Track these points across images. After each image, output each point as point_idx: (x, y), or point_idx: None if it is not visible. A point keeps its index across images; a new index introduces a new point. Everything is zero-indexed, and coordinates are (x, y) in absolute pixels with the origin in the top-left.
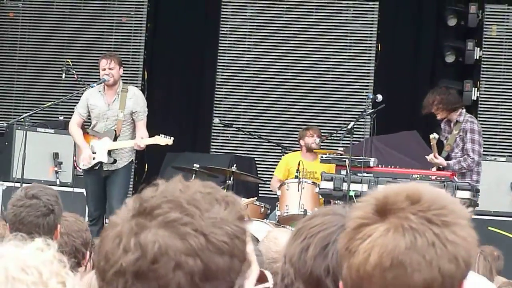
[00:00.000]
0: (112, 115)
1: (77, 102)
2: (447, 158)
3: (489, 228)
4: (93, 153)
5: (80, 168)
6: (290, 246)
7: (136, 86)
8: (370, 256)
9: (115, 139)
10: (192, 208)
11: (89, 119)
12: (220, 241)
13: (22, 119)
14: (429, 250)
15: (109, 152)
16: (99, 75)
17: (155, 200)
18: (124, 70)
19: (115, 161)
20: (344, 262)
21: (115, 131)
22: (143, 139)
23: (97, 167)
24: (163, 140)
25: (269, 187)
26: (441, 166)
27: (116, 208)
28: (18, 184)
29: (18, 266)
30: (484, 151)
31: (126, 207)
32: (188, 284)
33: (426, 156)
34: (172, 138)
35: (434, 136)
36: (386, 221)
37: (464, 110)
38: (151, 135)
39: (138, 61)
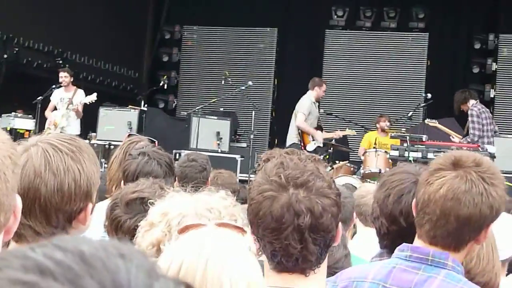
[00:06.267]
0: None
1: (231, 101)
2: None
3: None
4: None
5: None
6: (377, 192)
7: (270, 89)
8: (440, 189)
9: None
10: (326, 177)
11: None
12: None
13: (197, 110)
14: (477, 196)
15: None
16: (246, 81)
17: (306, 175)
18: (257, 87)
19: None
20: (421, 189)
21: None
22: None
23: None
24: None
25: (356, 154)
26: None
27: None
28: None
29: (205, 207)
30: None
31: (267, 176)
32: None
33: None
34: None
35: (428, 121)
36: (457, 171)
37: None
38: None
39: (270, 74)
